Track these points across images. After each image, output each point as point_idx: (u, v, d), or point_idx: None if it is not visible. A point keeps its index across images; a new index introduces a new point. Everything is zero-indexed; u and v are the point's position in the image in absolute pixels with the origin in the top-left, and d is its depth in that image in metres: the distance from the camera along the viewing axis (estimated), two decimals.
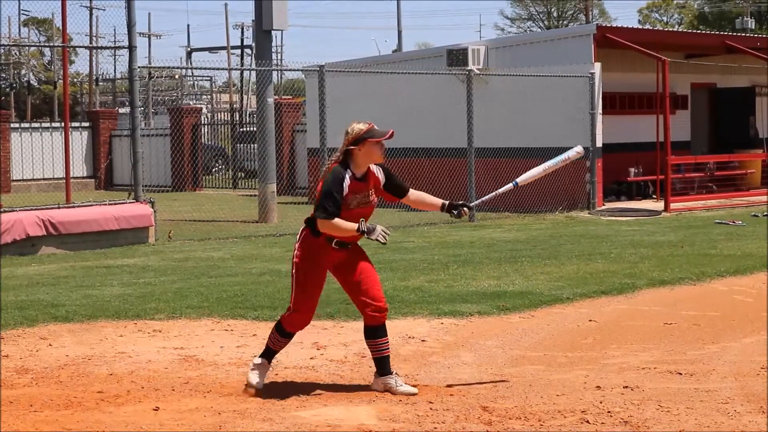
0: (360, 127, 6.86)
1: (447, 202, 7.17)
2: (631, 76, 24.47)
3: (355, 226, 6.79)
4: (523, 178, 7.37)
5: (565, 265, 13.20)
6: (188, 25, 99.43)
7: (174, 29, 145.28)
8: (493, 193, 7.40)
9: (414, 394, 6.90)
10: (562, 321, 9.60)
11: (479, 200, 7.64)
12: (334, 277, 7.08)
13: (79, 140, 33.74)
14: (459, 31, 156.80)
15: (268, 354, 7.10)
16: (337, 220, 6.74)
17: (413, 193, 7.18)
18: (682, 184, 23.69)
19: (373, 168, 6.98)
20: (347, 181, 6.79)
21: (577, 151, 7.48)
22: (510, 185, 7.34)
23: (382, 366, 7.01)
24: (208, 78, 60.33)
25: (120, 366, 7.82)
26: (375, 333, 6.98)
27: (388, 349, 7.05)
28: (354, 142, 6.83)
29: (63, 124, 20.69)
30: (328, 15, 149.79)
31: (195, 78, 60.46)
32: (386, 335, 7.02)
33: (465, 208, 7.14)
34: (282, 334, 7.05)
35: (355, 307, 7.17)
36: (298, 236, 7.01)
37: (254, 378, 6.97)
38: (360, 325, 7.14)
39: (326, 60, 24.06)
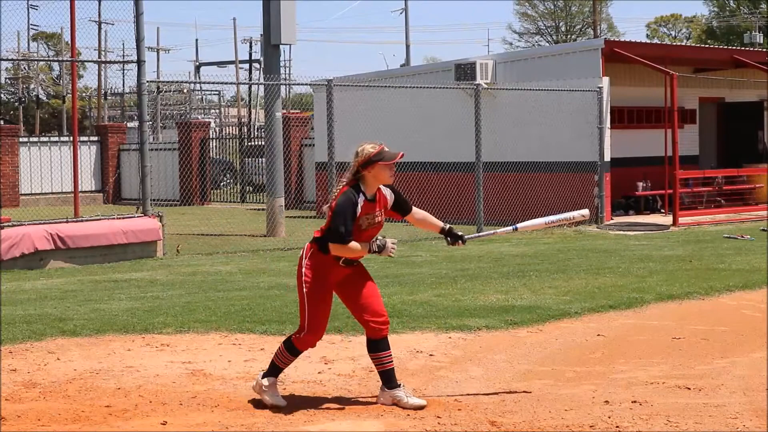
0: (369, 149, 6.83)
1: (448, 227, 7.22)
2: (639, 90, 24.48)
3: (366, 246, 6.85)
4: (523, 225, 7.50)
5: (573, 279, 13.19)
6: (197, 40, 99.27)
7: (182, 43, 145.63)
8: (492, 232, 7.64)
9: (423, 407, 6.89)
10: (570, 335, 9.58)
11: (476, 235, 7.71)
12: (336, 293, 7.10)
13: (88, 154, 33.83)
14: (467, 45, 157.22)
15: (275, 371, 7.10)
16: (352, 244, 6.80)
17: (417, 212, 7.22)
18: (691, 199, 23.67)
19: (383, 188, 7.00)
20: (360, 204, 6.82)
21: (582, 214, 7.58)
22: (510, 228, 7.46)
23: (388, 379, 7.02)
24: (217, 92, 60.58)
25: (128, 380, 7.81)
26: (377, 346, 7.00)
27: (392, 362, 7.06)
28: (364, 165, 6.82)
29: (71, 138, 20.73)
30: (336, 29, 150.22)
31: (203, 92, 60.64)
32: (389, 348, 7.03)
33: (460, 241, 7.19)
34: (292, 353, 7.05)
35: None
36: (303, 253, 7.00)
37: (277, 400, 6.98)
38: None
39: (334, 74, 24.10)
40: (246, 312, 10.74)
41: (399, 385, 7.02)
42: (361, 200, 6.82)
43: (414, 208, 7.20)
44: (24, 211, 24.15)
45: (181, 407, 6.99)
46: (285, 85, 38.96)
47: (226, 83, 74.72)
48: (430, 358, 8.56)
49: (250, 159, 34.02)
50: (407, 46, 60.31)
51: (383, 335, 6.98)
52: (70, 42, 19.33)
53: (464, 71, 22.96)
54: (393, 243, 6.89)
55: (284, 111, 29.76)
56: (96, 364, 8.43)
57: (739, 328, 9.90)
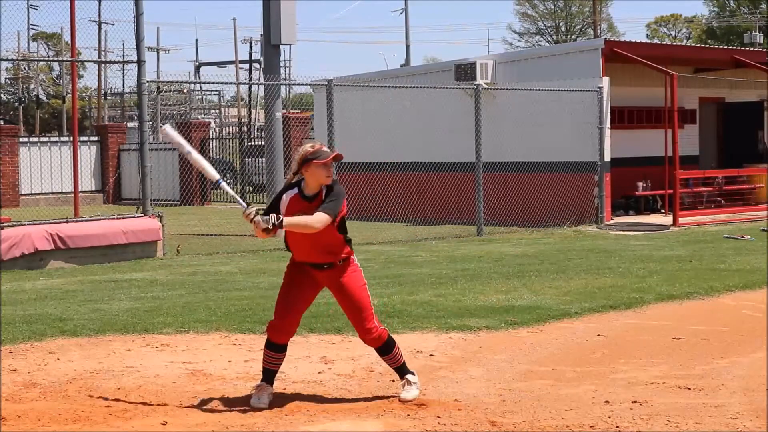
0: (307, 148, 6.90)
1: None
2: (639, 90, 24.47)
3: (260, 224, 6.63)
4: None
5: (574, 279, 13.18)
6: (197, 40, 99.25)
7: (183, 44, 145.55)
8: None
9: (412, 400, 6.97)
10: (570, 335, 9.58)
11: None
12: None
13: (88, 154, 33.83)
14: (467, 45, 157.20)
15: (266, 375, 7.11)
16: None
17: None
18: (691, 199, 23.67)
19: (324, 189, 6.93)
20: (286, 198, 6.87)
21: None
22: None
23: (401, 371, 7.16)
24: (217, 92, 60.60)
25: (128, 380, 7.81)
26: (383, 350, 7.11)
27: (401, 355, 7.17)
28: (300, 164, 6.87)
29: (71, 138, 20.71)
30: (336, 30, 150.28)
31: (203, 92, 60.64)
32: (395, 345, 7.13)
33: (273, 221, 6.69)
34: (269, 347, 7.06)
35: None
36: None
37: (254, 401, 6.98)
38: None
39: (334, 74, 24.09)
40: (246, 312, 10.74)
41: (411, 372, 7.16)
42: (289, 195, 6.86)
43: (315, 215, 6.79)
44: (24, 211, 24.16)
45: (182, 407, 6.99)
46: (285, 85, 38.95)
47: (226, 83, 74.79)
48: (430, 358, 8.56)
49: (250, 159, 34.01)
50: (407, 46, 60.36)
51: (381, 343, 7.05)
52: (70, 42, 19.33)
53: (464, 71, 22.94)
54: (254, 215, 6.58)
55: (284, 111, 29.72)
56: (96, 364, 8.43)
57: (739, 328, 9.90)
